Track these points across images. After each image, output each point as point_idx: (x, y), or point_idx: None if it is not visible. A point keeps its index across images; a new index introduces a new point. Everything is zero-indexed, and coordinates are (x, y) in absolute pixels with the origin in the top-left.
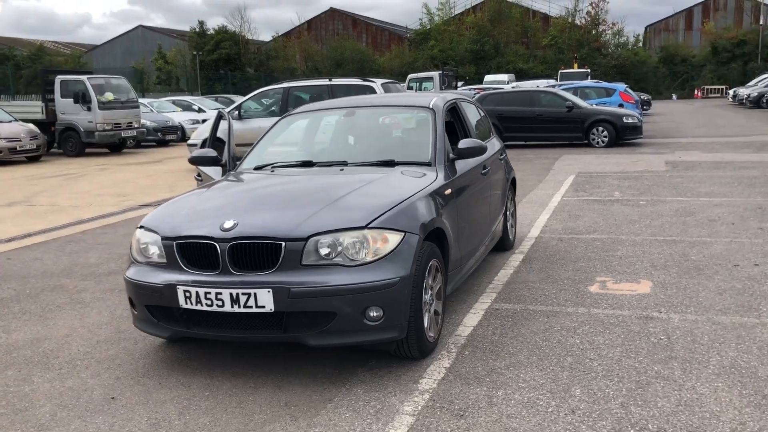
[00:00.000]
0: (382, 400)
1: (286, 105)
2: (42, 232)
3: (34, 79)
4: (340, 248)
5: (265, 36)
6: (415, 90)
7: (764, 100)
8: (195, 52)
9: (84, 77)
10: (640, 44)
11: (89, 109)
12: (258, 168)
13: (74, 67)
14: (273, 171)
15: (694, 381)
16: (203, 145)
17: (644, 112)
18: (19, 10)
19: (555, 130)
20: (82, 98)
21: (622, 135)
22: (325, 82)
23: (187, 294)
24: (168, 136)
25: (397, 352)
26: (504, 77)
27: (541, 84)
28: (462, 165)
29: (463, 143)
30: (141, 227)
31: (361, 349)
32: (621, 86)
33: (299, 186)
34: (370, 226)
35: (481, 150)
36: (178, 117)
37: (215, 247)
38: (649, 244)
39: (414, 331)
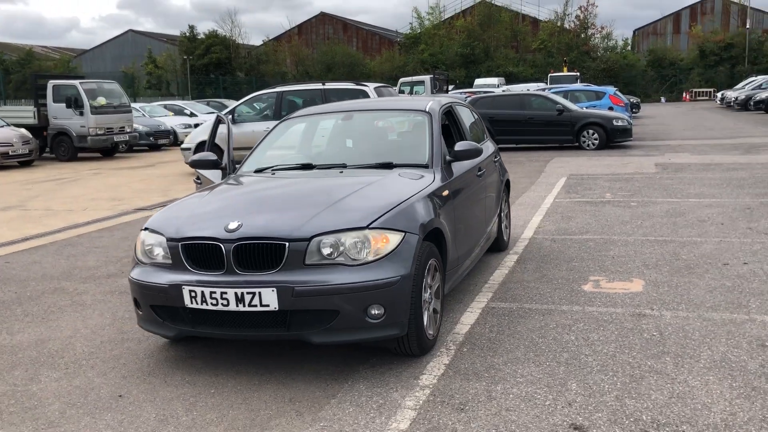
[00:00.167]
0: (384, 396)
1: (279, 109)
2: (39, 236)
3: (23, 84)
4: (342, 248)
5: (256, 40)
6: (407, 94)
7: (751, 103)
8: (185, 57)
9: (76, 82)
10: (629, 48)
11: (82, 113)
12: (258, 171)
13: (64, 71)
14: (274, 174)
15: (686, 374)
16: (197, 148)
17: (633, 114)
18: (6, 14)
19: (546, 133)
20: (74, 103)
21: (613, 138)
22: (318, 86)
23: (193, 294)
24: (160, 140)
25: (398, 349)
26: (494, 81)
27: (532, 87)
28: (458, 167)
29: (459, 146)
30: (146, 229)
31: (363, 347)
32: (610, 89)
33: (300, 188)
34: (372, 226)
35: (477, 152)
36: (171, 121)
37: (220, 247)
38: (640, 244)
39: (414, 328)
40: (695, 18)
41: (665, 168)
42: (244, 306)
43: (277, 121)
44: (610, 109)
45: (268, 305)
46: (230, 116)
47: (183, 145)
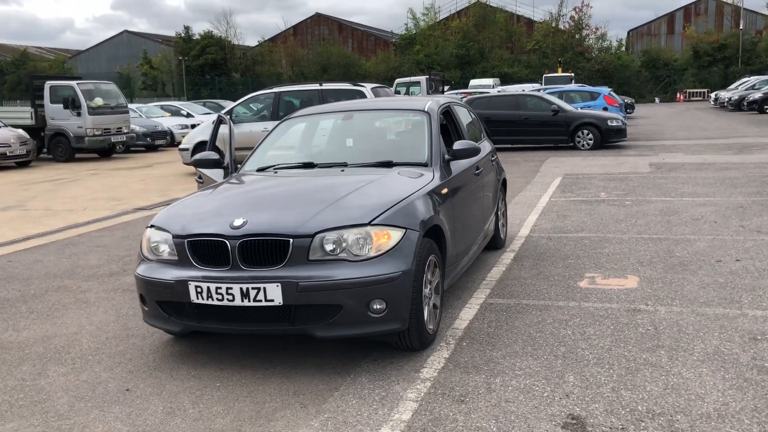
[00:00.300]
0: (386, 388)
1: (276, 110)
2: (39, 235)
3: (18, 85)
4: (344, 244)
5: (251, 41)
6: (403, 94)
7: (745, 103)
8: (181, 57)
9: (74, 83)
10: (623, 48)
11: (79, 114)
12: (260, 170)
13: (59, 72)
14: (276, 172)
15: (680, 367)
16: (195, 149)
17: (628, 115)
18: (0, 15)
19: (541, 133)
20: (71, 104)
21: (607, 138)
22: (315, 86)
23: (199, 289)
24: (157, 141)
25: (399, 343)
26: (489, 81)
27: (527, 88)
28: (457, 166)
29: (457, 144)
30: (152, 226)
31: (364, 342)
32: (605, 90)
33: (303, 186)
34: (373, 223)
35: (475, 151)
36: (167, 122)
37: (226, 244)
38: (635, 242)
39: (415, 323)
40: (689, 19)
41: (659, 167)
42: (249, 301)
43: (277, 122)
44: (605, 109)
45: (272, 300)
46: (228, 116)
47: (181, 146)
